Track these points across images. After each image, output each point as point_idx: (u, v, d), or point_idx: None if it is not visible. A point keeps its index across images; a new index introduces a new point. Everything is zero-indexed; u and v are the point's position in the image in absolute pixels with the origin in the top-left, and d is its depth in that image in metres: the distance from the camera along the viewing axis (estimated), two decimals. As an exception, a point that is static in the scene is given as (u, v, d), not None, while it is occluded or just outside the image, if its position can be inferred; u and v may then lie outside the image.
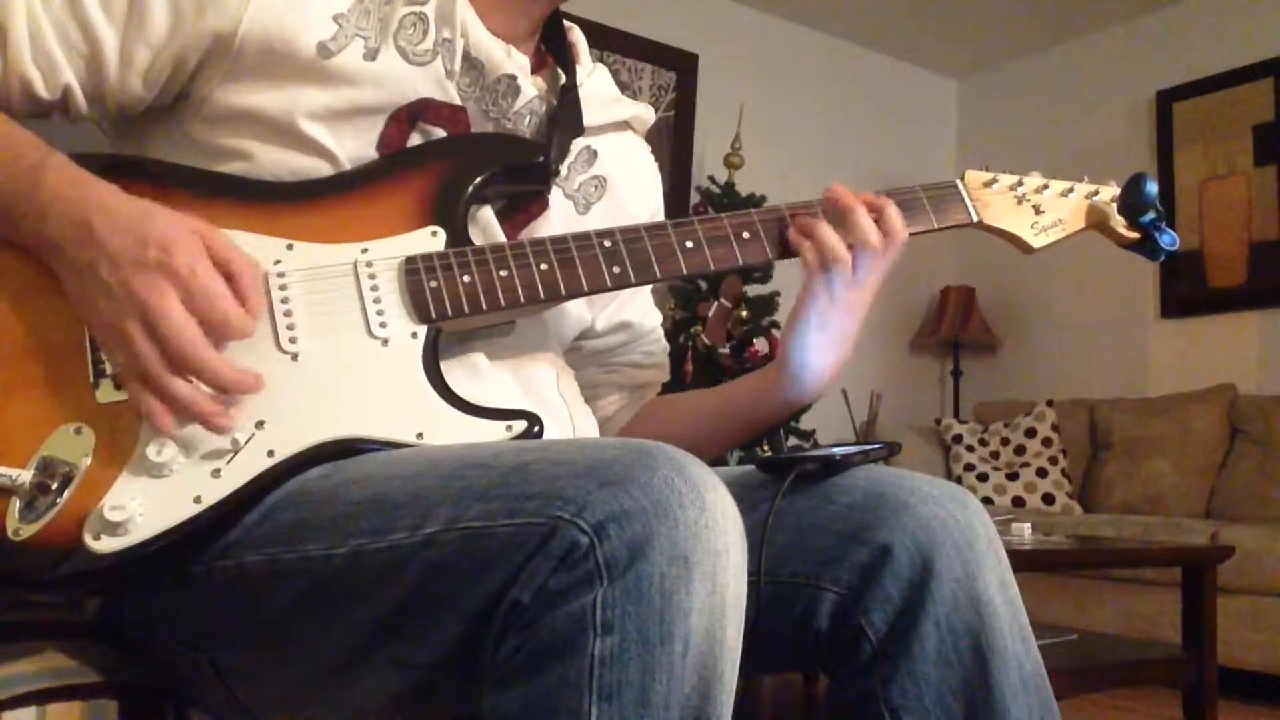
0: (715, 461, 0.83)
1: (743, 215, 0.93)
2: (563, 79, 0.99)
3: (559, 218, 0.97)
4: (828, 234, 0.91)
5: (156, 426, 0.73)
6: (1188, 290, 4.11)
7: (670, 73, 4.22)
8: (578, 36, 1.04)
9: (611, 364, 1.10)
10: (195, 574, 0.74)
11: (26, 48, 0.81)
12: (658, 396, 1.14)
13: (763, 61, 4.50)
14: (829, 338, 0.94)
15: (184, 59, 0.84)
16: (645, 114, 1.08)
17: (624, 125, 1.07)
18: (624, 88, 1.09)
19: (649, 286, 1.10)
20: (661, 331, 1.15)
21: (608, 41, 3.91)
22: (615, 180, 1.03)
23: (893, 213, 0.93)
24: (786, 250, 0.93)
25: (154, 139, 0.89)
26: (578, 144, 0.99)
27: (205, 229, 0.76)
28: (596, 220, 1.00)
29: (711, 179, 3.97)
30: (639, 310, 1.10)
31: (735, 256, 0.91)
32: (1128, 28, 4.45)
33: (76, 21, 0.82)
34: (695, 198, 4.04)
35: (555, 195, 0.98)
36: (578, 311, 1.03)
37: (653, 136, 1.13)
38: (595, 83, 1.03)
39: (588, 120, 0.99)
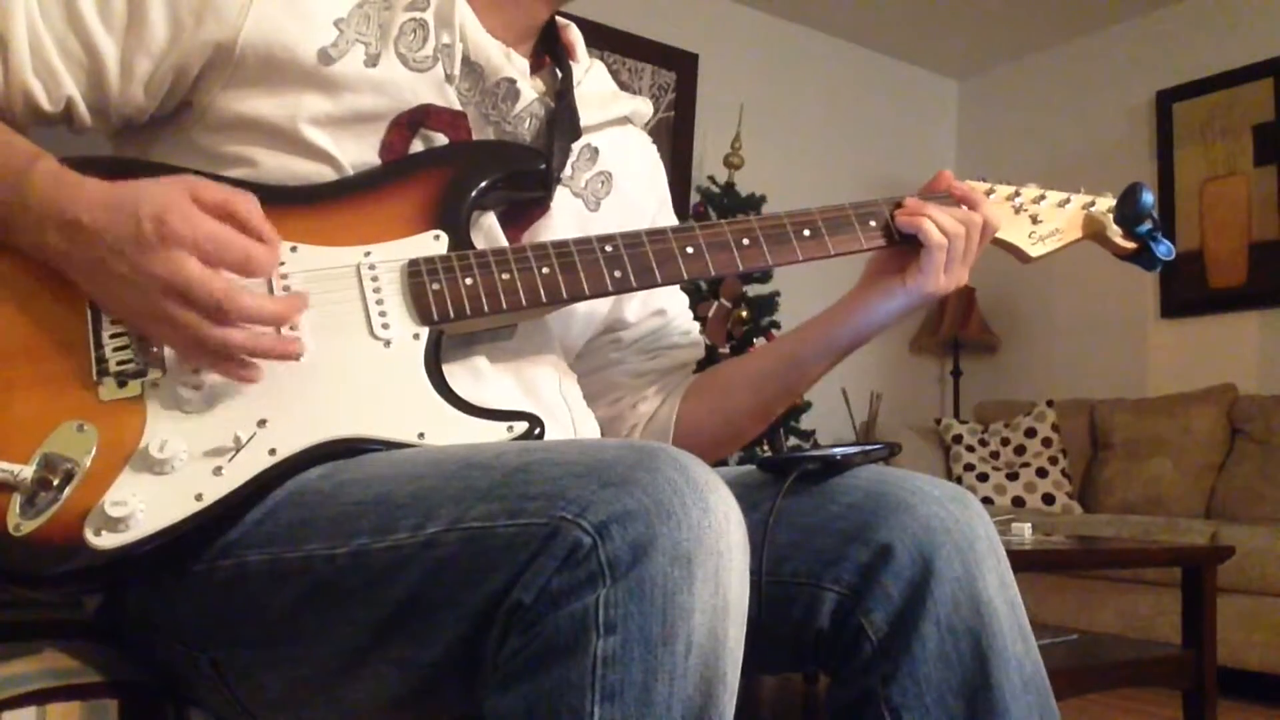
0: (721, 462, 0.83)
1: (743, 221, 0.94)
2: (560, 79, 0.99)
3: (570, 217, 0.98)
4: (941, 212, 0.97)
5: (242, 380, 0.75)
6: (1188, 290, 4.11)
7: (670, 73, 4.22)
8: (574, 34, 1.05)
9: (654, 349, 1.10)
10: (196, 573, 0.74)
11: (27, 59, 0.81)
12: (711, 367, 1.13)
13: (763, 61, 4.50)
14: (910, 301, 0.99)
15: (185, 69, 0.84)
16: (643, 108, 1.09)
17: (623, 120, 1.07)
18: (624, 88, 1.10)
19: None
20: (689, 309, 1.16)
21: (608, 41, 3.91)
22: (619, 174, 1.03)
23: (988, 205, 0.99)
24: (782, 255, 0.94)
25: (157, 146, 0.89)
26: (578, 144, 0.99)
27: (190, 182, 0.75)
28: (608, 215, 1.00)
29: (711, 179, 3.97)
30: (667, 293, 1.11)
31: (735, 262, 0.92)
32: (1128, 28, 4.46)
33: (76, 33, 0.82)
34: (695, 198, 4.04)
35: (564, 195, 0.98)
36: (586, 314, 1.02)
37: (653, 136, 1.14)
38: (592, 80, 1.03)
39: (587, 119, 0.99)
